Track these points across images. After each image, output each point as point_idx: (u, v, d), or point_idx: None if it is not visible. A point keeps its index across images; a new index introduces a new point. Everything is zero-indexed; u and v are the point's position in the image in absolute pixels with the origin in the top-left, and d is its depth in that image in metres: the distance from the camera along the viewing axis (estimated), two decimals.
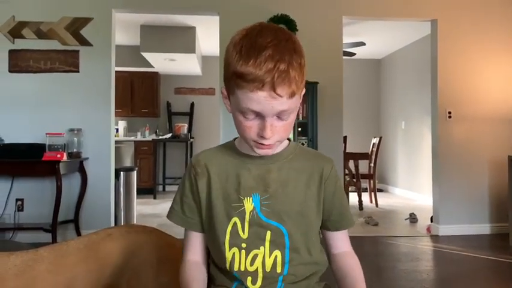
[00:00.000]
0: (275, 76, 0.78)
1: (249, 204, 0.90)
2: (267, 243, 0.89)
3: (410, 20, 4.29)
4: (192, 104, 7.43)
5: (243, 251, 0.89)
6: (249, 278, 0.88)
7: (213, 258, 0.94)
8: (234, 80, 0.81)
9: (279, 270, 0.89)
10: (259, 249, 0.89)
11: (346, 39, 5.85)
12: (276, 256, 0.89)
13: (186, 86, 7.55)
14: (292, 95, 0.82)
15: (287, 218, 0.90)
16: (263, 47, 0.80)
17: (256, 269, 0.89)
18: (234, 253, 0.89)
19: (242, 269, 0.89)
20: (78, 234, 3.68)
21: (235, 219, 0.90)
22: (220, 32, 3.91)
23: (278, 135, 0.86)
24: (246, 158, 0.93)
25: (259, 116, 0.83)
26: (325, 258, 0.97)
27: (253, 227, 0.89)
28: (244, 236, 0.89)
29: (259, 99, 0.80)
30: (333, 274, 0.98)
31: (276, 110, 0.82)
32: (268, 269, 0.88)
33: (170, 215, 0.97)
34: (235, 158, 0.94)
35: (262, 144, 0.86)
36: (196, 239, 0.96)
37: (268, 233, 0.89)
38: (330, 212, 0.95)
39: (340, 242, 0.98)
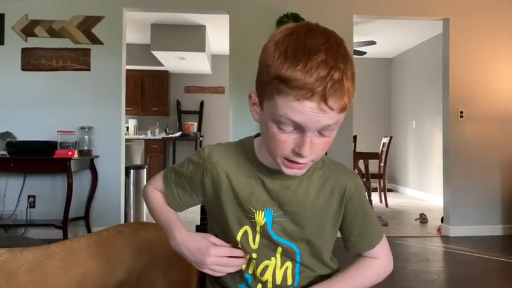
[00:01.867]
0: (328, 85, 0.68)
1: (260, 219, 0.84)
2: (278, 255, 0.86)
3: (422, 18, 4.25)
4: (202, 103, 7.45)
5: (253, 261, 0.86)
6: (259, 285, 0.87)
7: None
8: (276, 84, 0.70)
9: (289, 282, 0.87)
10: (270, 260, 0.86)
11: (357, 38, 5.82)
12: (287, 267, 0.86)
13: (195, 85, 7.57)
14: (343, 109, 0.72)
15: (299, 240, 0.86)
16: (314, 50, 0.69)
17: (267, 280, 0.86)
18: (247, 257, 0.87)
19: (252, 274, 0.87)
20: (89, 231, 3.71)
21: (247, 227, 0.85)
22: (230, 31, 3.91)
23: (315, 154, 0.75)
24: (262, 168, 0.85)
25: (298, 129, 0.72)
26: (335, 267, 0.94)
27: (263, 240, 0.85)
28: (255, 246, 0.85)
29: (304, 110, 0.69)
30: None
31: (320, 125, 0.71)
32: (278, 281, 0.86)
33: (166, 175, 0.94)
34: (250, 165, 0.86)
35: (294, 162, 0.75)
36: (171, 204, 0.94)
37: (279, 249, 0.86)
38: (350, 233, 0.90)
39: (370, 253, 0.93)
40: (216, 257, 0.83)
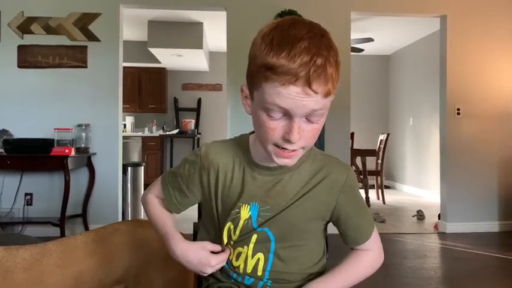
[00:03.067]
0: (311, 70, 0.71)
1: (245, 212, 0.87)
2: (251, 244, 0.88)
3: (419, 15, 4.25)
4: (199, 100, 7.44)
5: (231, 248, 0.91)
6: (235, 273, 0.90)
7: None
8: (262, 72, 0.73)
9: (259, 273, 0.88)
10: (242, 248, 0.89)
11: (354, 35, 5.81)
12: (258, 258, 0.88)
13: (193, 82, 7.56)
14: (327, 94, 0.74)
15: (275, 224, 0.87)
16: (298, 39, 0.72)
17: (239, 266, 0.89)
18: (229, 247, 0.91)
19: (231, 260, 0.91)
20: (86, 228, 3.71)
21: (230, 224, 0.89)
22: (228, 28, 3.90)
23: (304, 141, 0.77)
24: (254, 165, 0.88)
25: (287, 115, 0.74)
26: (324, 265, 0.95)
27: (242, 231, 0.89)
28: (235, 238, 0.89)
29: (290, 95, 0.72)
30: None
31: (307, 110, 0.73)
32: (249, 269, 0.89)
33: (164, 179, 0.95)
34: (244, 162, 0.89)
35: (284, 149, 0.77)
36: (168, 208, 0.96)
37: (254, 236, 0.88)
38: (347, 226, 0.91)
39: (363, 246, 0.94)
40: (216, 265, 0.87)
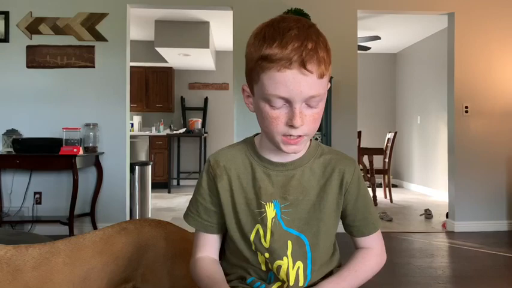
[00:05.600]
0: (303, 53, 0.75)
1: (271, 210, 0.87)
2: (289, 254, 0.86)
3: (426, 13, 4.21)
4: (206, 99, 7.45)
5: (268, 261, 0.87)
6: (278, 284, 0.87)
7: (234, 255, 0.91)
8: (259, 65, 0.78)
9: (301, 283, 0.87)
10: (282, 260, 0.86)
11: (361, 33, 5.78)
12: (298, 267, 0.87)
13: (200, 81, 7.57)
14: (321, 75, 0.78)
15: (307, 226, 0.87)
16: (287, 29, 0.77)
17: (282, 279, 0.87)
18: (263, 260, 0.88)
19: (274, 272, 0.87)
20: (94, 227, 3.74)
21: (258, 226, 0.87)
22: (234, 27, 3.90)
23: (307, 126, 0.80)
24: (266, 162, 0.89)
25: (287, 103, 0.78)
26: (338, 258, 0.95)
27: (274, 236, 0.86)
28: (266, 245, 0.86)
29: (287, 80, 0.76)
30: None
31: (305, 95, 0.77)
32: (291, 282, 0.86)
33: (187, 217, 0.93)
34: (254, 161, 0.89)
35: (290, 136, 0.80)
36: (210, 240, 0.92)
37: (289, 243, 0.86)
38: (354, 217, 0.92)
39: (365, 240, 0.94)
40: None
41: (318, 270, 0.89)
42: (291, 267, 0.86)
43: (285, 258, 0.86)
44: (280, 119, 0.79)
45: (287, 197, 0.87)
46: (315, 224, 0.87)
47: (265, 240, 0.86)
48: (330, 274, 0.92)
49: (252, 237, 0.87)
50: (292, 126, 0.78)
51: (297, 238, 0.87)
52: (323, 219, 0.88)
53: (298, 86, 0.76)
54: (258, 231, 0.87)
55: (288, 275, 0.86)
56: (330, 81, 4.07)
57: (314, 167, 0.89)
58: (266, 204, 0.86)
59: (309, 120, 0.80)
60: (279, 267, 0.86)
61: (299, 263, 0.87)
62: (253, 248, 0.87)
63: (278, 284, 0.87)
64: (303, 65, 0.75)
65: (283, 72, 0.76)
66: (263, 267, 0.88)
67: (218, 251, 0.95)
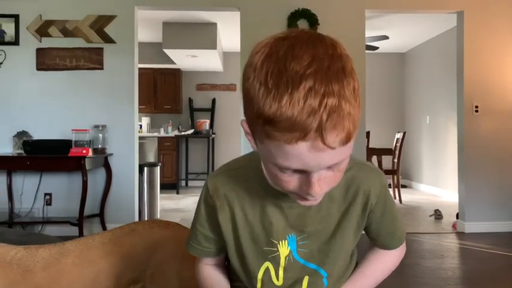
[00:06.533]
0: (323, 119, 0.56)
1: (284, 249, 0.77)
2: (305, 287, 0.80)
3: (435, 12, 4.18)
4: (214, 100, 7.47)
5: None
6: None
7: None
8: (261, 126, 0.59)
9: None
10: None
11: (369, 33, 5.75)
12: None
13: (207, 82, 7.59)
14: (347, 139, 0.59)
15: (327, 259, 0.79)
16: (299, 76, 0.56)
17: None
18: None
19: None
20: (104, 228, 3.76)
21: (268, 264, 0.78)
22: (241, 28, 3.90)
23: (328, 187, 0.66)
24: (277, 193, 0.72)
25: (302, 171, 0.62)
26: (352, 267, 0.90)
27: (288, 273, 0.78)
28: (279, 283, 0.79)
29: (300, 153, 0.58)
30: None
31: (324, 165, 0.61)
32: None
33: (188, 246, 0.87)
34: (262, 191, 0.76)
35: (306, 199, 0.66)
36: (212, 261, 0.88)
37: (306, 279, 0.79)
38: (378, 232, 0.85)
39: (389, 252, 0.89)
40: None
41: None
42: None
43: None
44: (292, 183, 0.64)
45: (304, 229, 0.76)
46: (334, 255, 0.79)
47: (277, 279, 0.78)
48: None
49: (259, 275, 0.79)
50: (308, 193, 0.64)
51: (315, 272, 0.79)
52: (343, 246, 0.80)
53: (316, 159, 0.59)
54: (267, 269, 0.78)
55: None
56: None
57: (334, 193, 0.75)
58: (279, 243, 0.76)
59: (329, 181, 0.65)
60: None
61: None
62: (259, 286, 0.80)
63: None
64: (321, 137, 0.56)
65: (295, 146, 0.57)
66: None
67: (224, 260, 0.90)
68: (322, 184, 0.63)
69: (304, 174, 0.62)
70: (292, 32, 0.62)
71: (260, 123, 0.59)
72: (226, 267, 0.91)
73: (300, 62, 0.57)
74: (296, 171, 0.62)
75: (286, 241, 0.76)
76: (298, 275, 0.78)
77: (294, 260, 0.78)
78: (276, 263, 0.78)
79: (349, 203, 0.78)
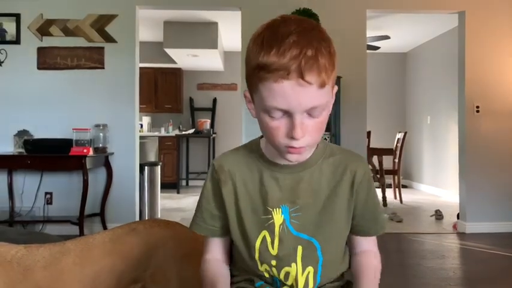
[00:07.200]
0: (302, 62, 0.71)
1: (278, 216, 0.84)
2: (299, 260, 0.84)
3: (437, 12, 4.18)
4: (215, 100, 7.47)
5: (274, 269, 0.85)
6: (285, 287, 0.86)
7: (240, 259, 0.90)
8: (256, 74, 0.74)
9: (310, 286, 0.85)
10: (290, 266, 0.84)
11: (370, 33, 5.74)
12: (308, 272, 0.85)
13: (208, 82, 7.59)
14: (322, 84, 0.73)
15: (318, 230, 0.85)
16: (286, 35, 0.72)
17: (292, 284, 0.85)
18: (265, 268, 0.85)
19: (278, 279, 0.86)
20: (104, 227, 3.76)
21: (264, 232, 0.84)
22: (242, 27, 3.90)
23: (310, 137, 0.77)
24: (273, 165, 0.85)
25: (287, 114, 0.75)
26: (348, 261, 0.93)
27: (283, 243, 0.84)
28: (274, 252, 0.84)
29: (284, 91, 0.72)
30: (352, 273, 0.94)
31: (304, 106, 0.73)
32: (301, 286, 0.85)
33: (192, 223, 0.92)
34: (261, 165, 0.86)
35: (292, 147, 0.76)
36: (218, 244, 0.91)
37: (300, 249, 0.84)
38: (362, 217, 0.89)
39: (366, 242, 0.92)
40: None
41: (327, 274, 0.88)
42: (300, 273, 0.84)
43: (293, 264, 0.84)
44: (280, 129, 0.76)
45: (296, 200, 0.84)
46: (326, 227, 0.85)
47: (272, 248, 0.84)
48: (340, 277, 0.91)
49: (257, 244, 0.85)
50: (293, 137, 0.75)
51: (308, 242, 0.84)
52: (334, 221, 0.86)
53: (297, 97, 0.72)
54: (264, 238, 0.85)
55: (297, 281, 0.84)
56: (339, 82, 4.06)
57: (324, 168, 0.86)
58: (273, 210, 0.84)
59: (311, 131, 0.76)
60: (287, 273, 0.85)
61: (309, 269, 0.85)
62: (257, 256, 0.85)
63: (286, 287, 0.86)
64: (301, 75, 0.71)
65: (281, 83, 0.72)
66: (266, 275, 0.87)
67: (228, 252, 0.94)
68: (305, 130, 0.75)
69: (289, 118, 0.75)
70: (285, 15, 0.79)
71: (256, 72, 0.74)
72: (229, 264, 0.93)
73: (288, 27, 0.74)
74: (283, 114, 0.75)
75: (280, 209, 0.84)
76: (292, 245, 0.84)
77: (288, 230, 0.84)
78: (271, 231, 0.84)
79: (337, 181, 0.86)
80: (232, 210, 0.87)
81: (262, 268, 0.86)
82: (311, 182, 0.85)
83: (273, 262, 0.84)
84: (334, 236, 0.87)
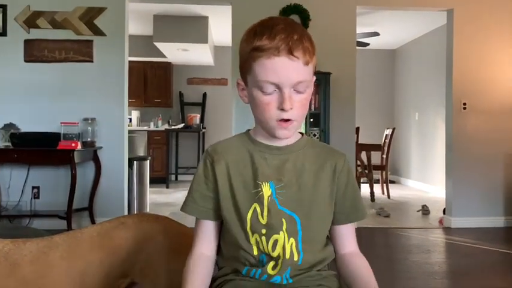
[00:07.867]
0: (290, 42, 0.84)
1: (267, 189, 0.92)
2: (284, 229, 0.91)
3: (426, 9, 4.21)
4: (205, 94, 7.45)
5: (263, 237, 0.91)
6: (272, 263, 0.91)
7: (228, 246, 0.94)
8: (251, 55, 0.86)
9: (295, 258, 0.91)
10: (279, 234, 0.91)
11: (360, 29, 5.77)
12: (291, 244, 0.91)
13: (198, 76, 7.56)
14: (307, 62, 0.86)
15: (299, 207, 0.91)
16: (275, 24, 0.87)
17: (278, 254, 0.90)
18: (256, 239, 0.91)
19: (266, 252, 0.91)
20: (93, 222, 3.74)
21: (255, 205, 0.91)
22: (233, 22, 3.89)
23: (296, 111, 0.88)
24: (263, 147, 0.95)
25: (278, 89, 0.86)
26: (332, 250, 0.98)
27: (271, 213, 0.91)
28: (264, 221, 0.91)
29: (276, 66, 0.84)
30: (341, 277, 0.97)
31: (293, 80, 0.85)
32: (288, 256, 0.90)
33: (183, 205, 0.97)
34: (251, 147, 0.95)
35: (282, 120, 0.87)
36: (208, 228, 0.96)
37: (284, 221, 0.91)
38: (343, 204, 0.96)
39: (348, 240, 0.97)
40: None
41: (309, 252, 0.92)
42: (287, 241, 0.91)
43: (281, 232, 0.91)
44: (271, 104, 0.87)
45: (281, 178, 0.92)
46: (306, 205, 0.92)
47: (262, 217, 0.91)
48: (323, 261, 0.95)
49: (249, 215, 0.91)
50: (282, 109, 0.86)
51: (290, 217, 0.91)
52: (316, 201, 0.93)
53: (287, 71, 0.85)
54: (255, 209, 0.91)
55: (284, 249, 0.90)
56: (328, 78, 4.07)
57: (307, 154, 0.96)
58: (262, 183, 0.92)
59: (297, 106, 0.87)
60: (276, 241, 0.91)
61: (292, 240, 0.91)
62: (248, 227, 0.91)
63: (272, 263, 0.91)
64: (290, 52, 0.84)
65: (273, 59, 0.84)
66: (254, 251, 0.91)
67: (216, 243, 0.97)
68: (292, 102, 0.86)
69: (279, 93, 0.86)
70: (274, 16, 0.95)
71: (250, 55, 0.87)
72: (215, 261, 0.97)
73: (277, 21, 0.89)
74: (273, 89, 0.86)
75: (268, 184, 0.92)
76: (278, 217, 0.91)
77: (274, 203, 0.91)
78: (260, 203, 0.92)
79: (320, 165, 0.95)
80: (225, 188, 0.93)
81: (252, 240, 0.91)
82: (296, 164, 0.94)
83: (263, 231, 0.91)
84: (315, 214, 0.93)
